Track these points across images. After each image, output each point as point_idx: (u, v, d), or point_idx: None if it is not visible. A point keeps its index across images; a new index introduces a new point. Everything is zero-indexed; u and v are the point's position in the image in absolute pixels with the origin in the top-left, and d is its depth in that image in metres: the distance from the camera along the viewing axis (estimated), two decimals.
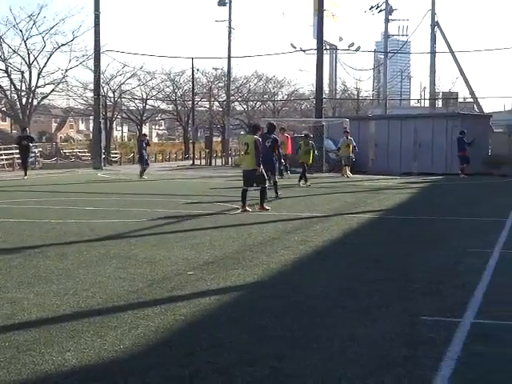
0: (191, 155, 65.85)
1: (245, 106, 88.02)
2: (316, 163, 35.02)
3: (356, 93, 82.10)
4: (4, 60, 55.58)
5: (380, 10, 69.42)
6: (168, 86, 78.99)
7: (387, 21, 68.94)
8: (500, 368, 6.22)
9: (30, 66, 55.83)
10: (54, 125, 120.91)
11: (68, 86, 62.73)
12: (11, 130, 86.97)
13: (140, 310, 8.13)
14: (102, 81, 56.77)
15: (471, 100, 68.39)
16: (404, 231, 15.90)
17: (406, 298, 8.84)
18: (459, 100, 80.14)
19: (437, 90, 70.35)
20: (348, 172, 36.92)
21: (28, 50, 55.46)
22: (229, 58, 65.98)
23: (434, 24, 61.08)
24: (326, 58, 65.95)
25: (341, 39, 71.88)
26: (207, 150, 65.36)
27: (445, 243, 13.67)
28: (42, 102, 63.25)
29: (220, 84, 79.37)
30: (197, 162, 62.60)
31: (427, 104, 75.04)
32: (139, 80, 75.03)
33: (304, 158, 30.73)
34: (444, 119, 42.28)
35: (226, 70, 69.80)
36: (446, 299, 8.80)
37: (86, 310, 8.13)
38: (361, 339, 7.04)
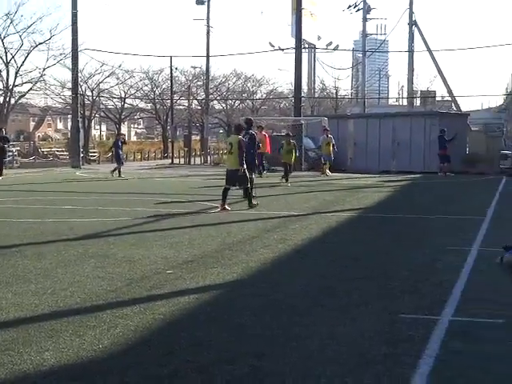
0: (170, 154, 65.71)
1: (224, 105, 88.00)
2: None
3: (334, 91, 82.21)
4: None
5: (358, 9, 69.55)
6: (146, 85, 78.85)
7: (365, 20, 69.08)
8: (478, 365, 6.25)
9: (7, 64, 55.60)
10: (32, 124, 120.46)
11: (46, 84, 62.66)
12: None
13: (119, 309, 8.11)
14: (80, 79, 56.47)
15: (449, 99, 68.71)
16: (383, 229, 15.94)
17: (385, 296, 8.86)
18: (437, 98, 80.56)
19: (415, 89, 70.66)
20: (327, 171, 36.92)
21: (5, 48, 55.28)
22: (207, 56, 65.96)
23: (412, 23, 61.27)
24: (305, 56, 65.93)
25: (319, 38, 72.00)
26: (186, 149, 65.30)
27: (423, 241, 13.72)
28: (20, 101, 63.04)
29: (199, 83, 79.34)
30: (176, 160, 62.46)
31: (405, 102, 75.28)
32: (117, 79, 74.89)
33: (286, 158, 30.77)
34: (422, 118, 42.39)
35: (204, 68, 69.84)
36: (424, 297, 8.83)
37: (65, 310, 8.09)
38: (340, 337, 7.06)
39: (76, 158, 48.42)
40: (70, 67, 51.32)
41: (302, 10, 50.70)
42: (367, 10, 69.18)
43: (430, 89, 79.43)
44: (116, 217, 17.39)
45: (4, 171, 35.52)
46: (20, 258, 11.41)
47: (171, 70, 67.58)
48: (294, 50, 49.56)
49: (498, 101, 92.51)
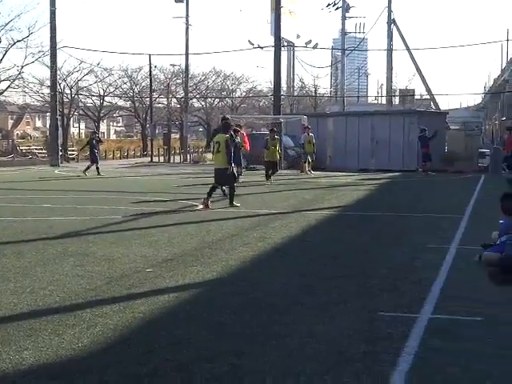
0: (149, 152, 65.62)
1: (203, 103, 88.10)
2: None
3: (314, 90, 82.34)
4: None
5: (337, 8, 69.63)
6: (125, 83, 78.77)
7: (344, 18, 69.20)
8: (457, 363, 6.28)
9: None
10: (11, 122, 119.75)
11: (24, 82, 62.13)
12: None
13: (98, 307, 8.09)
14: (58, 77, 56.26)
15: (428, 97, 68.98)
16: (362, 228, 15.98)
17: (364, 295, 8.89)
18: (416, 97, 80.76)
19: (394, 87, 70.81)
20: (307, 169, 36.89)
21: None
22: (186, 54, 65.71)
23: (391, 21, 61.44)
24: (284, 55, 66.24)
25: (298, 36, 72.21)
26: (165, 147, 65.22)
27: (403, 239, 13.77)
28: None
29: (178, 81, 79.27)
30: (155, 159, 62.40)
31: (384, 101, 75.49)
32: (96, 76, 74.68)
33: (270, 156, 30.32)
34: (401, 116, 42.52)
35: (183, 66, 69.50)
36: (403, 295, 8.86)
37: (44, 309, 8.07)
38: (319, 336, 7.07)
39: (55, 157, 48.24)
40: (49, 65, 51.04)
41: (281, 8, 50.80)
42: (346, 8, 69.33)
43: (408, 87, 79.55)
44: (95, 215, 17.34)
45: None
46: None
47: (150, 67, 67.52)
48: (273, 48, 49.61)
49: (477, 99, 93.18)
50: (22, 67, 56.05)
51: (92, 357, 6.39)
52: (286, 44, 67.45)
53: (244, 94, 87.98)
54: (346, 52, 72.35)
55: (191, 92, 75.83)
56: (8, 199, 21.72)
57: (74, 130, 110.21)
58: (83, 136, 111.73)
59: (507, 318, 7.92)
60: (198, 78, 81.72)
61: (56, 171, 40.71)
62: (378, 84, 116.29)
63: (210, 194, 19.26)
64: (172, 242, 13.09)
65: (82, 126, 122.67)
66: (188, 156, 62.68)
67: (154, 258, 11.39)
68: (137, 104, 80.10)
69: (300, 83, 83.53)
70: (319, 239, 13.98)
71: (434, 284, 9.51)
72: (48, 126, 61.96)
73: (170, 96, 76.83)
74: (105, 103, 79.50)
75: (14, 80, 57.18)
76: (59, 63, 55.71)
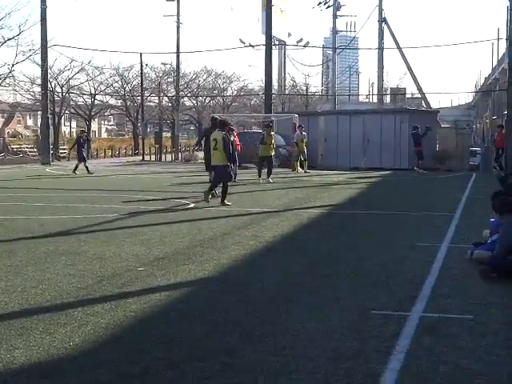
0: (141, 151, 65.59)
1: (194, 102, 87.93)
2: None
3: (305, 88, 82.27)
4: None
5: (328, 6, 69.50)
6: (117, 81, 78.53)
7: (335, 17, 69.15)
8: (448, 361, 6.29)
9: None
10: (2, 120, 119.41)
11: (15, 80, 61.99)
12: None
13: (90, 306, 8.08)
14: (49, 76, 56.12)
15: (419, 96, 69.11)
16: (354, 226, 16.00)
17: (356, 293, 8.90)
18: (407, 96, 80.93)
19: (385, 86, 70.95)
20: (299, 167, 36.86)
21: None
22: (177, 53, 65.72)
23: (382, 20, 61.57)
24: (275, 53, 66.07)
25: (289, 35, 72.11)
26: (157, 146, 65.23)
27: (394, 238, 13.79)
28: None
29: (169, 79, 79.11)
30: (147, 157, 62.37)
31: (376, 99, 75.60)
32: (87, 75, 74.39)
33: (265, 152, 29.89)
34: (392, 115, 42.51)
35: (174, 65, 69.49)
36: (395, 293, 8.88)
37: (35, 307, 8.06)
38: (311, 334, 7.08)
39: (46, 155, 48.17)
40: (40, 63, 50.93)
41: (272, 7, 50.81)
42: (337, 7, 69.25)
43: (399, 86, 79.80)
44: (86, 214, 17.31)
45: None
46: None
47: (141, 66, 67.38)
48: (264, 47, 49.61)
49: (468, 98, 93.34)
50: (13, 65, 55.80)
51: (83, 355, 6.39)
52: (277, 42, 67.44)
53: (235, 92, 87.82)
54: (337, 50, 72.41)
55: (182, 91, 75.70)
56: None
57: (65, 129, 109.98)
58: (74, 135, 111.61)
59: (498, 316, 7.94)
60: (190, 77, 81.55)
61: (47, 170, 40.64)
62: (369, 82, 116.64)
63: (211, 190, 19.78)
64: (164, 240, 13.09)
65: (74, 124, 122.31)
66: (179, 154, 62.70)
67: (146, 256, 11.38)
68: (128, 103, 79.95)
69: (291, 82, 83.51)
70: (311, 238, 13.99)
71: (425, 282, 9.54)
72: (39, 125, 61.84)
73: (162, 95, 76.69)
74: (96, 102, 79.28)
75: (4, 78, 56.98)
76: (50, 61, 55.62)
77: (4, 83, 57.98)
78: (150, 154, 64.22)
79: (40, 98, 55.87)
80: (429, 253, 11.82)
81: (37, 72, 64.87)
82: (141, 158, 62.61)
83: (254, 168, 31.89)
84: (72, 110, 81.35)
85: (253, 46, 61.48)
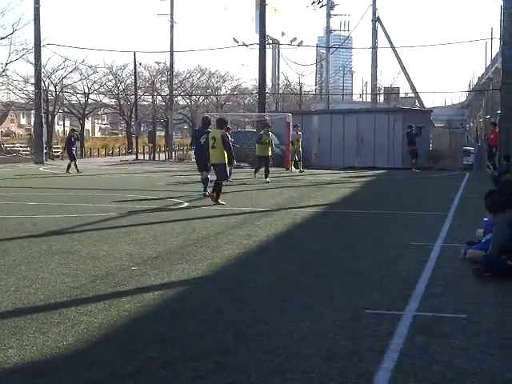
0: (134, 150, 65.56)
1: (188, 101, 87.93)
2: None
3: (299, 87, 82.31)
4: None
5: (322, 5, 69.47)
6: (110, 80, 78.52)
7: (329, 16, 69.14)
8: (441, 359, 6.30)
9: None
10: None
11: (8, 79, 61.94)
12: None
13: (83, 305, 8.07)
14: (43, 74, 56.08)
15: (412, 95, 69.18)
16: (347, 225, 16.01)
17: (350, 292, 8.90)
18: (401, 95, 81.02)
19: (379, 85, 71.01)
20: (293, 167, 36.87)
21: None
22: (171, 52, 65.66)
23: (375, 19, 61.61)
24: (269, 52, 66.01)
25: (283, 34, 72.03)
26: (151, 145, 65.15)
27: (387, 237, 13.80)
28: None
29: (163, 78, 79.13)
30: (140, 156, 62.34)
31: (369, 99, 75.65)
32: (81, 74, 74.37)
33: (262, 151, 29.68)
34: (385, 114, 42.60)
35: (168, 64, 69.43)
36: (388, 292, 8.88)
37: (29, 307, 8.04)
38: (305, 333, 7.08)
39: (39, 154, 48.12)
40: (33, 62, 50.86)
41: (266, 6, 50.77)
42: (331, 6, 69.23)
43: (393, 85, 79.88)
44: (80, 213, 17.29)
45: None
46: None
47: (135, 65, 67.39)
48: (258, 46, 49.59)
49: (461, 97, 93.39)
50: (6, 64, 55.74)
51: (77, 355, 6.37)
52: (270, 42, 67.37)
53: (229, 91, 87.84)
54: (331, 50, 72.38)
55: (176, 90, 75.67)
56: None
57: (58, 128, 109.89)
58: (68, 134, 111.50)
59: (491, 315, 7.95)
60: (183, 76, 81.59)
61: (41, 169, 40.60)
62: (362, 82, 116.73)
63: (212, 188, 19.64)
64: (157, 239, 13.08)
65: (67, 123, 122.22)
66: (173, 154, 62.67)
67: (139, 255, 11.37)
68: (122, 102, 79.93)
69: (285, 81, 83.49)
70: (305, 237, 13.99)
71: (418, 281, 9.54)
72: (32, 124, 61.75)
73: (155, 94, 76.69)
74: (89, 101, 79.23)
75: None
76: (43, 60, 55.56)
77: None
78: (143, 153, 64.16)
79: (33, 96, 55.79)
80: (422, 252, 11.83)
81: (30, 71, 64.89)
82: (134, 157, 62.57)
83: (248, 167, 31.84)
84: (65, 109, 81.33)
85: (246, 45, 61.43)
